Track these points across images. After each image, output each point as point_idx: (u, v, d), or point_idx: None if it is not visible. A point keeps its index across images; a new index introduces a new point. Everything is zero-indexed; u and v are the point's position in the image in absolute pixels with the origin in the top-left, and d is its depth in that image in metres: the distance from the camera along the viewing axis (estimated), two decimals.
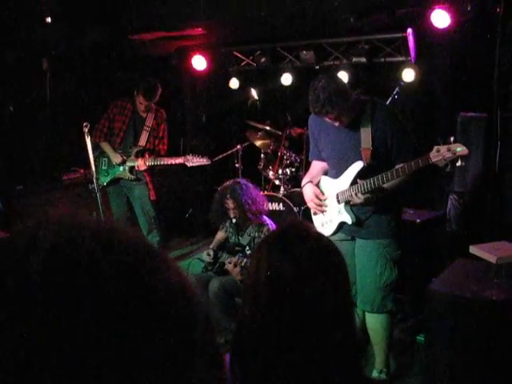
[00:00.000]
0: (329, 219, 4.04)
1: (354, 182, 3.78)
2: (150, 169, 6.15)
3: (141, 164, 5.99)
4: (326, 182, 4.07)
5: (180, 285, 0.66)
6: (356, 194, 3.69)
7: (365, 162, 3.71)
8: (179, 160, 5.94)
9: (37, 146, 7.06)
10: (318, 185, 4.12)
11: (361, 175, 3.75)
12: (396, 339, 4.42)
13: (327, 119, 3.73)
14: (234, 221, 5.10)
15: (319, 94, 3.55)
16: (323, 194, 4.05)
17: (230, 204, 5.03)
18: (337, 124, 3.73)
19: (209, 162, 5.97)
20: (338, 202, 3.91)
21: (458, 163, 3.37)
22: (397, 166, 3.59)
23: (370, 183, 3.63)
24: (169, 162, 6.01)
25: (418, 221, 5.16)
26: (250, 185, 5.16)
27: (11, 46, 6.39)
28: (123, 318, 0.58)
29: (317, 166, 4.19)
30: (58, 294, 0.56)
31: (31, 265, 0.57)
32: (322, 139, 4.02)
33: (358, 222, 3.85)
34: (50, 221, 0.64)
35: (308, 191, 4.10)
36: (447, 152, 3.30)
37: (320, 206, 4.03)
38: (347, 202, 3.85)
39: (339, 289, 1.56)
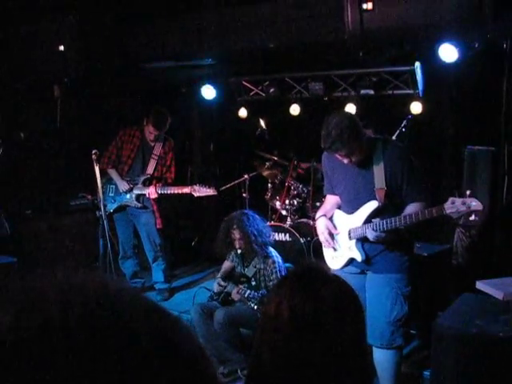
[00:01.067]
0: (339, 253, 4.05)
1: (367, 221, 3.80)
2: (158, 197, 6.19)
3: (152, 192, 6.01)
4: (340, 217, 4.09)
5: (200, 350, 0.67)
6: (370, 233, 3.72)
7: (379, 201, 3.74)
8: (186, 190, 5.97)
9: (46, 171, 7.11)
10: (331, 218, 4.14)
11: (374, 214, 3.77)
12: (402, 373, 4.37)
13: (338, 156, 3.75)
14: (239, 251, 5.11)
15: (331, 131, 3.58)
16: (336, 228, 4.06)
17: (236, 234, 5.04)
18: (346, 161, 3.76)
19: (215, 193, 5.98)
20: (350, 238, 3.92)
21: (472, 217, 3.41)
22: (410, 212, 3.64)
23: (386, 224, 3.66)
24: (176, 192, 6.03)
25: (425, 254, 5.14)
26: (257, 216, 5.18)
27: (24, 73, 6.48)
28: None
29: (331, 200, 4.22)
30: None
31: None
32: (336, 176, 4.05)
33: (367, 260, 3.86)
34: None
35: (321, 224, 4.11)
36: (462, 205, 3.34)
37: (330, 241, 4.03)
38: (359, 240, 3.86)
39: (358, 330, 1.61)
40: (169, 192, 6.04)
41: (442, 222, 6.23)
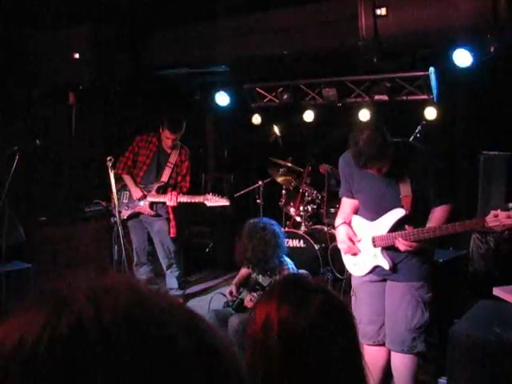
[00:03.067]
0: (362, 261, 3.98)
1: (392, 229, 3.76)
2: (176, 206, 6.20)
3: (172, 199, 6.01)
4: (360, 223, 4.01)
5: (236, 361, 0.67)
6: (401, 242, 3.66)
7: (406, 209, 3.70)
8: (199, 199, 5.97)
9: (61, 178, 7.15)
10: (349, 224, 4.07)
11: (400, 222, 3.74)
12: (418, 381, 4.34)
13: (370, 171, 3.72)
14: (255, 260, 5.10)
15: (363, 148, 3.51)
16: (356, 234, 4.01)
17: (249, 242, 5.02)
18: (376, 174, 3.72)
19: (228, 203, 5.96)
20: (374, 246, 3.88)
21: None
22: (439, 218, 3.65)
23: (419, 234, 3.61)
24: (189, 200, 6.03)
25: (441, 260, 5.10)
26: (274, 224, 5.13)
27: (39, 80, 6.54)
28: None
29: (348, 204, 4.11)
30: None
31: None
32: (356, 183, 3.97)
33: (393, 267, 3.83)
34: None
35: (342, 233, 4.02)
36: (507, 219, 3.31)
37: (354, 247, 3.98)
38: (383, 247, 3.84)
39: (349, 338, 1.58)
40: (182, 201, 6.05)
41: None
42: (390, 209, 3.77)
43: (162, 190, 6.19)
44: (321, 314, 1.52)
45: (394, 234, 3.73)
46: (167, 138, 6.08)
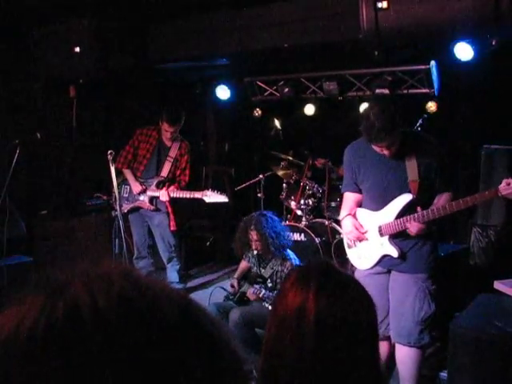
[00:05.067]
0: (367, 252, 3.98)
1: (400, 215, 3.76)
2: (172, 199, 6.20)
3: (163, 194, 6.02)
4: (364, 215, 4.02)
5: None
6: (413, 225, 3.68)
7: (413, 194, 3.71)
8: (198, 195, 5.96)
9: (61, 171, 7.15)
10: (354, 216, 4.08)
11: (407, 207, 3.75)
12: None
13: (377, 148, 3.72)
14: (255, 252, 5.10)
15: (374, 121, 3.54)
16: (362, 226, 4.01)
17: (254, 236, 5.03)
18: (386, 153, 3.71)
19: (227, 200, 5.95)
20: (381, 234, 3.88)
21: None
22: (446, 200, 3.67)
23: (432, 212, 3.63)
24: (187, 196, 6.02)
25: (442, 254, 5.10)
26: (276, 218, 5.15)
27: (40, 73, 6.53)
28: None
29: (351, 198, 4.11)
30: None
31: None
32: (363, 171, 3.97)
33: (402, 255, 3.83)
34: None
35: (348, 223, 4.02)
36: None
37: (362, 236, 3.98)
38: (391, 235, 3.83)
39: (373, 329, 1.64)
40: (180, 196, 6.04)
41: (459, 220, 6.21)
42: (397, 195, 3.79)
43: (162, 185, 6.19)
44: (355, 305, 1.57)
45: (404, 218, 3.73)
46: (166, 130, 6.07)
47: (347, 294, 1.58)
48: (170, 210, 6.25)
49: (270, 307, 4.81)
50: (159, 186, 6.17)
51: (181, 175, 6.28)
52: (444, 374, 4.37)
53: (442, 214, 3.59)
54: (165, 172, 6.20)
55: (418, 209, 3.67)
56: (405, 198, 3.75)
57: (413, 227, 3.68)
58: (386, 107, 3.62)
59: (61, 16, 6.07)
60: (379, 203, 3.89)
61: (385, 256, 3.89)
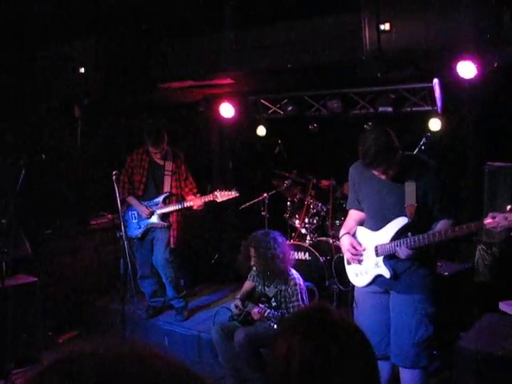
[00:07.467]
0: (364, 270, 4.02)
1: (395, 237, 3.78)
2: (176, 214, 6.21)
3: (196, 204, 6.02)
4: (364, 233, 4.06)
5: None
6: (402, 250, 3.70)
7: (409, 218, 3.72)
8: (209, 198, 5.98)
9: (66, 191, 7.17)
10: (354, 234, 4.12)
11: (402, 230, 3.76)
12: None
13: (375, 172, 3.76)
14: (254, 268, 5.12)
15: (370, 147, 3.59)
16: (360, 244, 4.05)
17: (252, 253, 5.05)
18: (384, 177, 3.76)
19: (237, 195, 5.98)
20: (377, 254, 3.90)
21: None
22: (442, 228, 3.63)
23: (420, 240, 3.64)
24: (200, 202, 6.03)
25: (446, 273, 5.10)
26: (280, 240, 5.14)
27: (45, 94, 6.57)
28: None
29: (354, 216, 4.19)
30: None
31: None
32: (363, 190, 4.04)
33: (394, 277, 3.84)
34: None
35: (345, 242, 4.09)
36: (504, 220, 3.33)
37: (357, 256, 4.02)
38: (386, 256, 3.84)
39: (369, 376, 1.57)
40: (193, 204, 6.05)
41: (463, 239, 6.19)
42: (394, 218, 3.81)
43: (169, 200, 6.20)
44: (344, 354, 1.50)
45: (395, 242, 3.76)
46: (153, 152, 6.10)
47: (336, 342, 1.51)
48: (175, 225, 6.25)
49: (275, 326, 4.80)
50: (166, 201, 6.18)
51: (188, 185, 6.28)
52: None
53: (430, 241, 3.62)
54: (167, 187, 6.20)
55: (409, 234, 3.70)
56: (400, 222, 3.78)
57: (401, 252, 3.72)
58: (382, 134, 3.66)
59: (65, 37, 6.12)
60: (378, 223, 3.93)
61: (379, 276, 3.91)
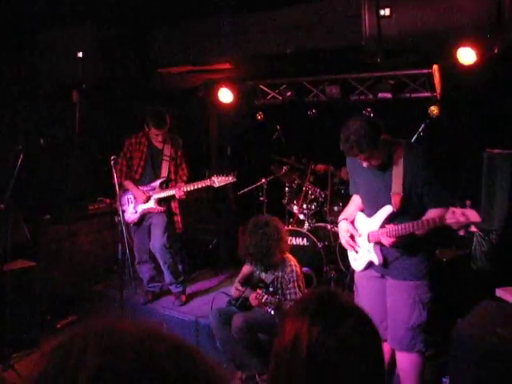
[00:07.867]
0: (359, 255, 4.09)
1: (382, 225, 3.82)
2: (178, 200, 6.21)
3: (179, 194, 6.01)
4: (361, 219, 4.11)
5: None
6: (384, 238, 3.74)
7: (394, 207, 3.73)
8: (206, 183, 5.96)
9: (64, 176, 7.16)
10: (353, 220, 4.17)
11: (390, 219, 3.78)
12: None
13: (358, 158, 3.76)
14: (258, 255, 5.12)
15: (349, 136, 3.59)
16: (357, 230, 4.09)
17: (251, 240, 5.05)
18: (366, 164, 3.76)
19: (235, 180, 5.96)
20: (369, 241, 3.95)
21: (472, 228, 3.41)
22: (423, 218, 3.64)
23: (398, 230, 3.67)
24: (196, 187, 6.01)
25: (444, 260, 5.11)
26: (279, 225, 5.15)
27: (43, 79, 6.54)
28: None
29: (356, 201, 4.24)
30: None
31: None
32: (356, 177, 4.10)
33: (384, 264, 3.88)
34: (96, 334, 0.68)
35: (342, 228, 4.16)
36: (461, 216, 3.31)
37: (352, 242, 4.07)
38: (377, 243, 3.87)
39: (376, 361, 1.58)
40: (190, 189, 6.02)
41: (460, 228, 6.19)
42: (382, 204, 3.84)
43: (166, 185, 6.19)
44: (351, 338, 1.51)
45: (380, 230, 3.81)
46: (156, 134, 6.07)
47: (344, 326, 1.52)
48: (177, 211, 6.26)
49: (272, 312, 4.82)
50: (162, 186, 6.17)
51: (179, 172, 6.28)
52: (446, 380, 4.38)
53: (408, 231, 3.63)
54: (164, 172, 6.18)
55: (395, 223, 3.72)
56: (385, 210, 3.82)
57: (385, 240, 3.75)
58: (364, 124, 3.64)
59: (63, 21, 6.08)
60: (372, 210, 3.97)
61: (371, 262, 3.95)
